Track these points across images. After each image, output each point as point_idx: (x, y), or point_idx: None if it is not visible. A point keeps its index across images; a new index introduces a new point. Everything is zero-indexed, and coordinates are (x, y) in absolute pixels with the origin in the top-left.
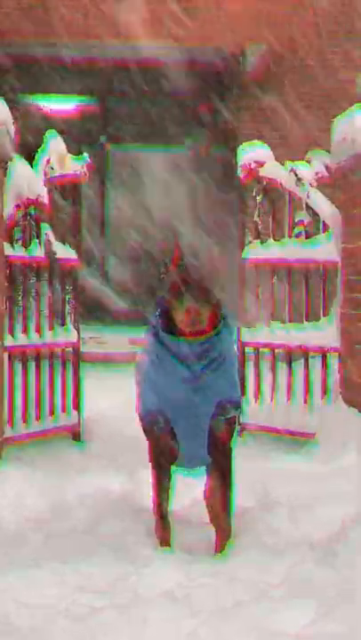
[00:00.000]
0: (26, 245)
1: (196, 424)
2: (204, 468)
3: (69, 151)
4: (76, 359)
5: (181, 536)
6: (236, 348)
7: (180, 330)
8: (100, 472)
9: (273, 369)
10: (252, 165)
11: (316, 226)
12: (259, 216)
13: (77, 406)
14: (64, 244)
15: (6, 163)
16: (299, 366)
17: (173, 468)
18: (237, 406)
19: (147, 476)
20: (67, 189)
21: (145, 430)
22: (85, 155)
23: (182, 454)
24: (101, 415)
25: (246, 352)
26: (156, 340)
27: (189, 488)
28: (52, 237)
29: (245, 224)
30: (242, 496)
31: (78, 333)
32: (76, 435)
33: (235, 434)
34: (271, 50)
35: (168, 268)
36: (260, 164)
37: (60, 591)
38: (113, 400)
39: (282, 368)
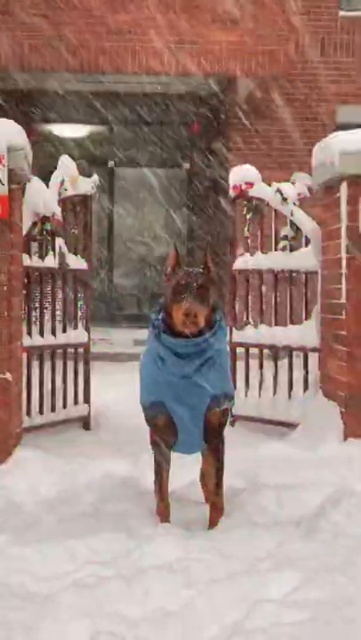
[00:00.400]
0: (42, 257)
1: (193, 414)
2: (199, 452)
3: (80, 173)
4: (86, 357)
5: (180, 514)
6: (228, 347)
7: (180, 330)
8: (107, 458)
9: (261, 366)
10: (243, 186)
11: (298, 240)
12: (249, 231)
13: (87, 399)
14: (76, 254)
15: (24, 184)
16: (283, 364)
17: (172, 452)
18: (230, 399)
19: (149, 461)
20: (78, 207)
21: (147, 420)
22: (95, 176)
23: (180, 441)
24: (108, 407)
25: (237, 351)
26: (157, 339)
27: (187, 470)
28: (65, 249)
29: (236, 237)
30: (233, 479)
31: (89, 334)
32: (86, 424)
33: (227, 423)
34: (261, 81)
35: (168, 274)
36: (250, 185)
37: (71, 564)
38: (119, 394)
39: (269, 365)
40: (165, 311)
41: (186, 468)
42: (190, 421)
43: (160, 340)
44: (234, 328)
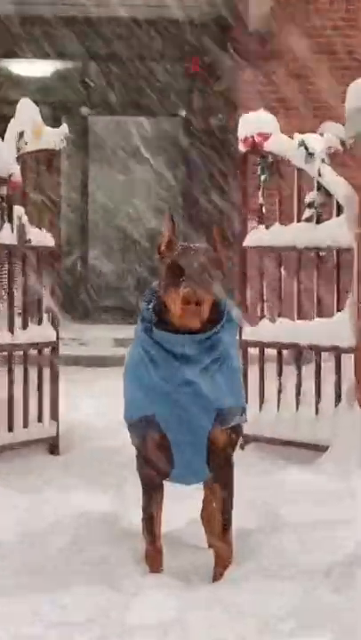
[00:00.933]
0: None
1: (194, 434)
2: (201, 483)
3: (45, 122)
4: (53, 361)
5: (175, 561)
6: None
7: (177, 324)
8: (80, 490)
9: (280, 372)
10: (256, 139)
11: (328, 208)
12: (263, 196)
13: (55, 415)
14: (40, 228)
15: None
16: (309, 369)
17: (167, 482)
18: (241, 414)
19: (135, 493)
20: (42, 166)
21: (133, 441)
22: (64, 126)
23: (177, 468)
24: (82, 425)
25: (249, 353)
26: (147, 336)
27: (185, 506)
28: (25, 220)
29: (247, 207)
30: (245, 517)
31: (57, 332)
32: (53, 447)
33: (237, 445)
34: (279, 3)
35: (162, 252)
36: (265, 137)
37: (37, 626)
38: (95, 408)
39: (290, 371)
40: (159, 299)
41: (183, 503)
42: (190, 443)
43: (152, 336)
44: (245, 322)
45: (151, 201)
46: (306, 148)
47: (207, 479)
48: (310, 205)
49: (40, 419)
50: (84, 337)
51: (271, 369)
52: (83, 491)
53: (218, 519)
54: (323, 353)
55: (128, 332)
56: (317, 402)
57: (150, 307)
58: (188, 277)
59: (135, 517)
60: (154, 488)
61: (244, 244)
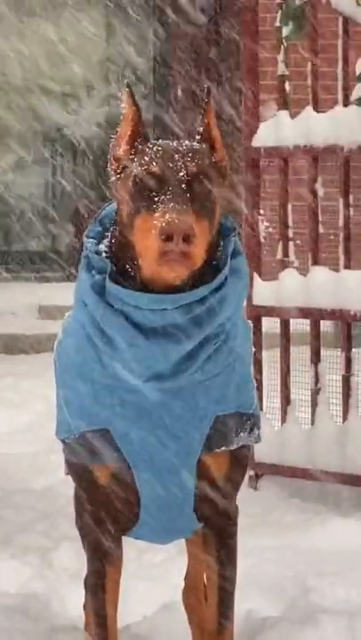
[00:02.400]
0: None
1: (175, 458)
2: (182, 539)
3: None
4: None
5: None
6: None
7: (149, 276)
8: None
9: (315, 359)
10: None
11: None
12: (286, 65)
13: None
14: None
15: None
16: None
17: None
18: (252, 428)
19: (73, 562)
20: None
21: (72, 470)
22: None
23: (145, 518)
24: None
25: (263, 325)
26: (97, 297)
27: (157, 583)
28: None
29: (257, 80)
30: (259, 598)
31: None
32: None
33: (244, 477)
34: None
35: (120, 156)
36: None
37: None
38: (10, 422)
39: (330, 356)
40: (117, 235)
41: (155, 578)
42: (169, 475)
43: (106, 297)
44: (255, 274)
45: (96, 70)
46: None
47: (194, 535)
48: None
49: None
50: None
51: (300, 354)
52: None
53: (212, 603)
54: None
55: (65, 294)
56: None
57: (102, 248)
58: (168, 197)
59: (73, 603)
60: (105, 553)
61: (255, 142)
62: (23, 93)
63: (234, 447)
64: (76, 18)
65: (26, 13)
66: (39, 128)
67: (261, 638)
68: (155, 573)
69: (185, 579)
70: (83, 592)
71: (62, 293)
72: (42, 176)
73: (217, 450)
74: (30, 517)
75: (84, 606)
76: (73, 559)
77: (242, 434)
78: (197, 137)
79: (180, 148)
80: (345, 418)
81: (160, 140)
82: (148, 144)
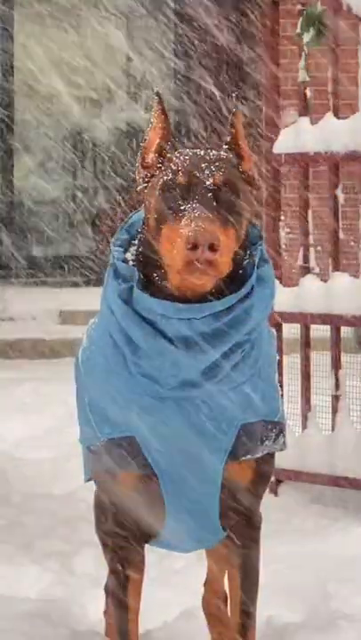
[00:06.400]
0: None
1: (202, 468)
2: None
3: None
4: None
5: None
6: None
7: (176, 285)
8: (3, 563)
9: (335, 365)
10: None
11: None
12: (307, 72)
13: None
14: None
15: None
16: None
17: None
18: (278, 435)
19: (94, 568)
20: None
21: (96, 476)
22: None
23: (171, 525)
24: (6, 457)
25: (283, 332)
26: (124, 305)
27: (177, 590)
28: None
29: (278, 87)
30: (280, 605)
31: None
32: None
33: (268, 485)
34: None
35: (148, 164)
36: None
37: None
38: (30, 427)
39: (354, 363)
40: (144, 243)
41: (175, 584)
42: (195, 483)
43: (132, 305)
44: (276, 280)
45: (121, 80)
46: None
47: (217, 544)
48: None
49: None
50: (7, 309)
51: (320, 359)
52: (4, 566)
53: (234, 611)
54: None
55: (85, 299)
56: None
57: (129, 256)
58: (194, 205)
59: (93, 608)
60: (127, 560)
61: (276, 149)
62: (45, 98)
63: (259, 455)
64: (98, 25)
65: (49, 20)
66: (61, 133)
67: None
68: (175, 580)
69: (204, 585)
70: (103, 597)
71: (83, 298)
72: (63, 181)
73: (243, 458)
74: (51, 523)
75: (105, 612)
76: (93, 564)
77: (267, 442)
78: (225, 146)
79: (208, 157)
80: None
81: (188, 149)
82: (176, 153)
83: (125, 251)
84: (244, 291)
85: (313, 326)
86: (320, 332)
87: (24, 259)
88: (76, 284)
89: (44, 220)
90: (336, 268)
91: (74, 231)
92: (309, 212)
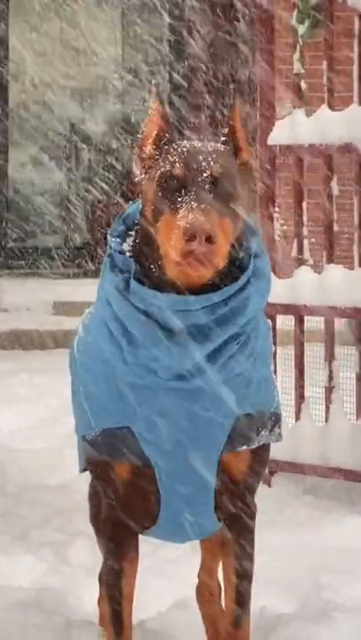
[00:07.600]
0: None
1: (196, 457)
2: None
3: None
4: None
5: None
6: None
7: (173, 276)
8: None
9: (329, 357)
10: None
11: None
12: (302, 63)
13: None
14: None
15: None
16: None
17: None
18: (273, 426)
19: (88, 558)
20: None
21: (91, 466)
22: None
23: (166, 516)
24: (3, 447)
25: (278, 324)
26: (121, 296)
27: (171, 579)
28: None
29: (273, 79)
30: (274, 596)
31: None
32: None
33: (263, 476)
34: None
35: (146, 156)
36: None
37: None
38: (24, 418)
39: (346, 355)
40: (141, 234)
41: (169, 574)
42: (191, 474)
43: (129, 296)
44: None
45: (116, 72)
46: None
47: (211, 535)
48: None
49: None
50: (1, 300)
51: (315, 351)
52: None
53: (229, 601)
54: None
55: (80, 290)
56: None
57: (126, 247)
58: (191, 197)
59: (88, 598)
60: (122, 550)
61: (271, 140)
62: (39, 90)
63: (255, 446)
64: (92, 16)
65: (42, 11)
66: (55, 125)
67: (275, 635)
68: (169, 570)
69: (198, 575)
70: (98, 587)
71: (77, 290)
72: (58, 172)
73: (238, 449)
74: (46, 513)
75: (99, 601)
76: (88, 554)
77: (263, 432)
78: (222, 138)
79: (205, 149)
80: (359, 415)
81: (185, 141)
82: (173, 145)
83: (122, 242)
84: (240, 282)
85: (307, 318)
86: (314, 323)
87: (18, 250)
88: (70, 276)
89: (39, 211)
90: (330, 259)
91: (68, 222)
92: (304, 204)
